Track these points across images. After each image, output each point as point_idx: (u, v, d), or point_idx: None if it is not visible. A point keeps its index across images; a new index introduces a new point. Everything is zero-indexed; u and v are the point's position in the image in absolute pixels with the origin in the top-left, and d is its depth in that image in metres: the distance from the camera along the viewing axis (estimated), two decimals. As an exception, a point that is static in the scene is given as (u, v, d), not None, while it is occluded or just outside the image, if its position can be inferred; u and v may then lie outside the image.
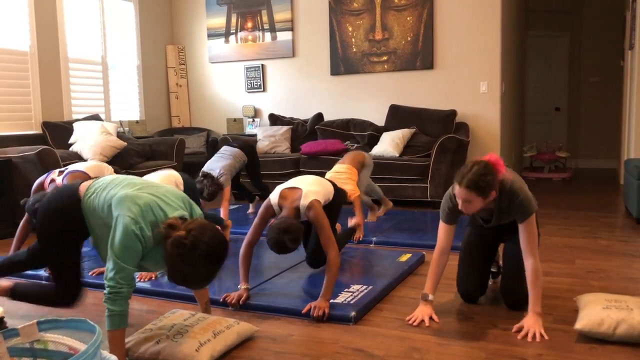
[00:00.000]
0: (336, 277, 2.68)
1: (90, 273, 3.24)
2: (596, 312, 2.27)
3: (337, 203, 3.15)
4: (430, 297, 2.53)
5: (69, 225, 2.27)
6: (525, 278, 2.47)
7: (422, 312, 2.50)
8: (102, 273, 3.27)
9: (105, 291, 2.04)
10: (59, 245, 2.29)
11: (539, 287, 2.37)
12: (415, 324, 2.45)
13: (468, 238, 2.76)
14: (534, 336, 2.28)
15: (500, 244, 2.81)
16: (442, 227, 2.56)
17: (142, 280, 3.13)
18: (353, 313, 2.51)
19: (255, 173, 4.91)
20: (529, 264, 2.38)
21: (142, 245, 2.04)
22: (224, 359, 2.18)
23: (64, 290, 2.34)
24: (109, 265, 2.04)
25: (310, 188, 2.86)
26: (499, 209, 2.45)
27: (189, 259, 1.96)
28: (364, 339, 2.33)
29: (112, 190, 2.16)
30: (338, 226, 3.60)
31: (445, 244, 2.55)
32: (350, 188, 3.99)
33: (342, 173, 4.16)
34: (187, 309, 2.54)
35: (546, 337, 2.27)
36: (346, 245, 3.76)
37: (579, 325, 2.25)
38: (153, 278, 3.16)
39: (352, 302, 2.64)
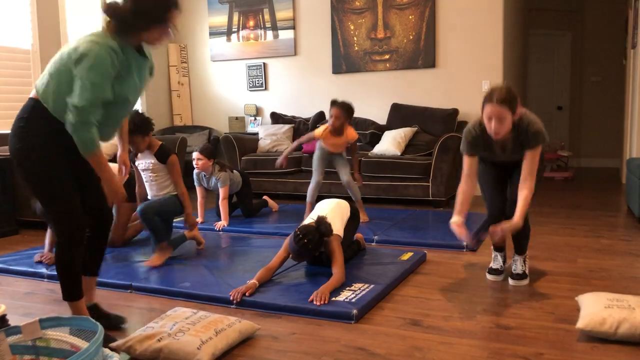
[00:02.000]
0: (339, 284, 2.85)
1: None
2: (598, 311, 2.26)
3: (355, 219, 3.45)
4: (457, 218, 2.75)
5: (42, 146, 2.17)
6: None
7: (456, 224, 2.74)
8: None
9: (68, 118, 2.02)
10: (44, 175, 2.18)
11: (525, 207, 2.65)
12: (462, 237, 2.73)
13: (483, 175, 2.98)
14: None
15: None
16: (466, 159, 2.81)
17: (149, 265, 3.30)
18: (355, 311, 2.51)
19: (246, 200, 4.89)
20: (524, 188, 2.65)
21: (113, 60, 2.05)
22: (226, 357, 2.18)
23: (61, 227, 2.20)
24: (75, 89, 2.01)
25: (331, 222, 3.06)
26: (516, 137, 2.67)
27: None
28: (366, 337, 2.33)
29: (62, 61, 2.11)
30: (359, 235, 3.72)
31: (468, 170, 2.79)
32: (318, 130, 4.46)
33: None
34: (188, 307, 2.55)
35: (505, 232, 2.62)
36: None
37: (581, 324, 2.25)
38: (157, 263, 3.33)
39: (353, 300, 2.64)
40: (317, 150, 4.59)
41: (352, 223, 3.41)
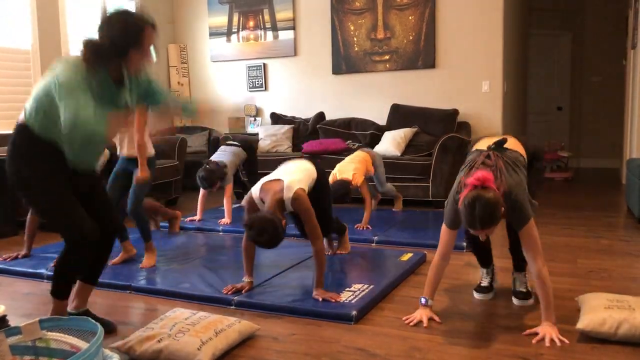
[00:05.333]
0: (324, 266, 2.75)
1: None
2: (598, 312, 2.26)
3: (324, 181, 3.14)
4: (430, 302, 2.51)
5: (36, 163, 2.22)
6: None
7: (421, 313, 2.49)
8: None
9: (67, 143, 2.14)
10: (40, 190, 2.23)
11: (547, 293, 2.28)
12: (411, 324, 2.44)
13: None
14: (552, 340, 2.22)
15: None
16: (446, 232, 2.48)
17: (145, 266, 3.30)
18: (354, 312, 2.51)
19: (253, 171, 4.92)
20: (533, 270, 2.31)
21: (83, 76, 2.11)
22: (226, 358, 2.18)
23: (70, 235, 2.27)
24: (63, 112, 2.06)
25: (292, 177, 2.80)
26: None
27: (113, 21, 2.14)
28: (365, 338, 2.33)
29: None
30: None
31: (447, 249, 2.49)
32: (354, 172, 4.24)
33: (354, 157, 4.50)
34: (188, 308, 2.55)
35: (566, 342, 2.20)
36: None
37: (581, 325, 2.25)
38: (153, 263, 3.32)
39: (353, 301, 2.64)
40: None
41: (321, 193, 3.06)
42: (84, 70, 2.12)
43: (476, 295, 2.81)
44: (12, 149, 2.23)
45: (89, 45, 2.15)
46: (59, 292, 2.37)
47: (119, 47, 2.15)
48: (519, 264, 2.78)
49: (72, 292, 2.46)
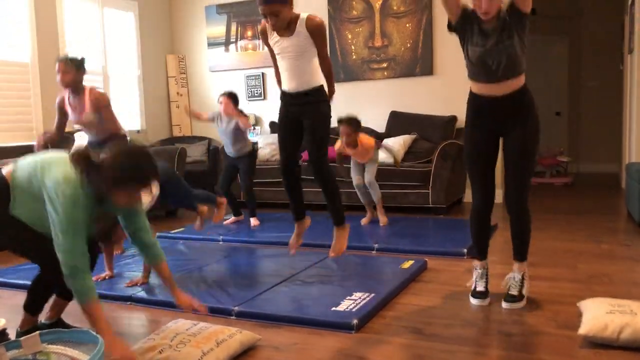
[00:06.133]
0: (333, 79, 3.44)
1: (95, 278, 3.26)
2: (600, 316, 2.26)
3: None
4: None
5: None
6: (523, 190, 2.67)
7: None
8: (104, 278, 3.34)
9: (64, 271, 2.04)
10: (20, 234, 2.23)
11: None
12: None
13: (470, 155, 3.01)
14: None
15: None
16: None
17: (132, 285, 3.19)
18: (355, 321, 2.50)
19: (248, 174, 4.96)
20: None
21: (84, 208, 2.05)
22: (227, 369, 2.18)
23: (49, 266, 2.25)
24: (58, 243, 2.03)
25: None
26: (501, 25, 2.68)
27: (119, 164, 2.04)
28: (367, 346, 2.32)
29: (40, 170, 2.16)
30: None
31: None
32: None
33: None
34: (189, 319, 2.54)
35: None
36: (348, 252, 3.77)
37: (583, 330, 2.24)
38: (144, 282, 3.22)
39: (354, 310, 2.64)
40: (352, 160, 4.80)
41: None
42: (81, 195, 2.05)
43: (473, 300, 2.79)
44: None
45: (86, 159, 2.06)
46: (31, 309, 2.44)
47: (115, 180, 2.05)
48: (520, 250, 2.76)
49: (47, 305, 2.51)
